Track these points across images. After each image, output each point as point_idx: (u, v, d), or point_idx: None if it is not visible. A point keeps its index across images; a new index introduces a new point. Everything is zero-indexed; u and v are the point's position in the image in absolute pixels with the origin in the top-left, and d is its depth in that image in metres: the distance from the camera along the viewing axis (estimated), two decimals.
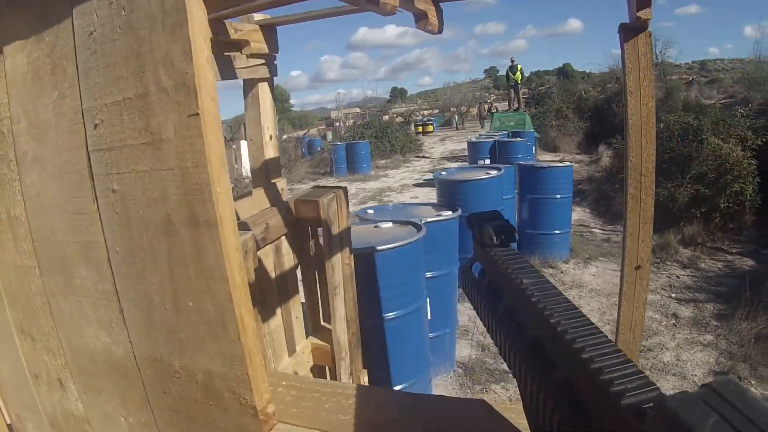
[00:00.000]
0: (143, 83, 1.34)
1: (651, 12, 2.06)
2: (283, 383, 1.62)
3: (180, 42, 1.26)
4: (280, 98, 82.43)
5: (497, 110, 38.24)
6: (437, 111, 49.51)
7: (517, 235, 1.11)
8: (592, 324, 0.71)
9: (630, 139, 2.26)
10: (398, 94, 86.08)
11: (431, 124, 40.31)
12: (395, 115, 42.68)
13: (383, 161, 25.52)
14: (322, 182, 21.15)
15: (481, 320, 1.04)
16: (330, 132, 37.11)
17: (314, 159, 27.22)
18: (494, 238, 1.08)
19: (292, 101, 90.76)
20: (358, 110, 44.13)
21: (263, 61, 3.14)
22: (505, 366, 6.35)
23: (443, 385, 5.98)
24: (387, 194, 17.95)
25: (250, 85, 3.22)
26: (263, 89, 3.23)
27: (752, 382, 6.04)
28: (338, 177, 22.19)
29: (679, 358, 6.55)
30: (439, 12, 2.47)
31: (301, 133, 41.63)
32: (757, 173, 10.66)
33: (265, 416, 1.40)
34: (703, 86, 26.89)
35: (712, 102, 17.55)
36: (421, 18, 2.29)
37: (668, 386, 5.93)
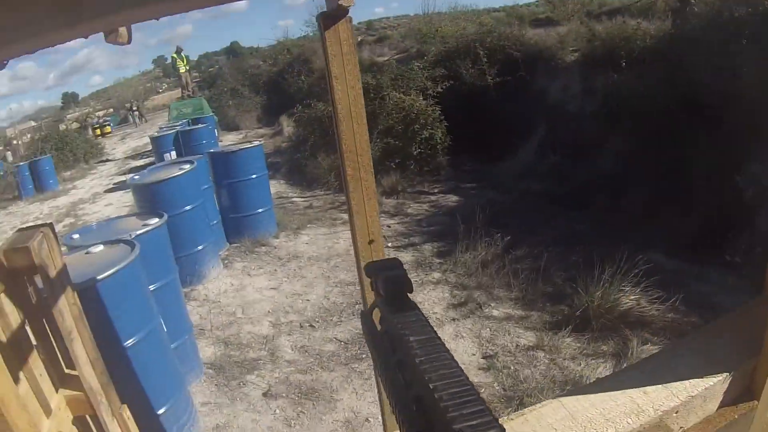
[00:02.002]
0: None
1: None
2: None
3: None
4: None
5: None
6: (112, 110, 47.84)
7: (412, 287, 1.14)
8: (468, 385, 0.77)
9: (341, 123, 2.27)
10: (70, 99, 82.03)
11: (108, 125, 38.97)
12: (71, 122, 40.95)
13: (68, 173, 24.32)
14: (12, 208, 20.09)
15: (374, 369, 1.06)
16: (9, 152, 34.84)
17: None
18: (386, 290, 1.09)
19: None
20: (33, 123, 41.70)
21: None
22: (252, 354, 6.39)
23: (200, 392, 5.86)
24: (81, 207, 17.13)
25: None
26: None
27: (491, 304, 6.42)
28: (27, 199, 20.78)
29: (415, 301, 6.85)
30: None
31: None
32: (443, 117, 11.33)
33: None
34: (374, 45, 27.84)
35: (386, 59, 18.26)
36: (110, 32, 2.18)
37: None
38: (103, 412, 3.23)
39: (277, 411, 5.32)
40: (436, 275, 7.39)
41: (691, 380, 1.38)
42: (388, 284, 1.07)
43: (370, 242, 2.43)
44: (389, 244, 8.76)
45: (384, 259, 1.17)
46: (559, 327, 5.80)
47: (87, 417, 3.32)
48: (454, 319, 6.33)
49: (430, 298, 6.86)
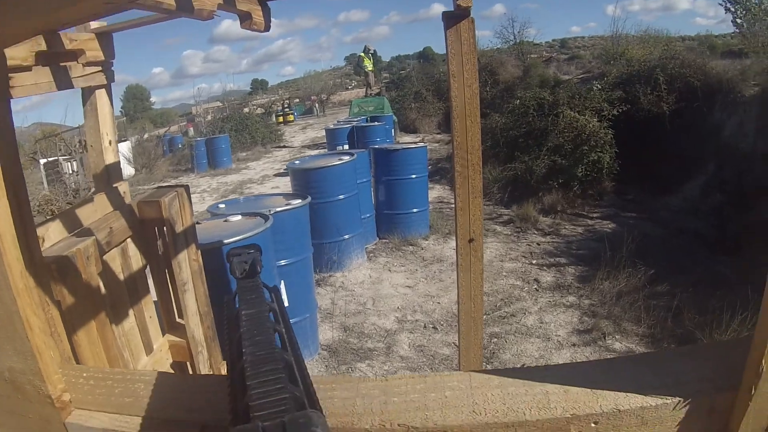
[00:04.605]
0: None
1: (471, 0, 2.09)
2: (84, 374, 1.70)
3: None
4: (140, 97, 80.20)
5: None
6: (297, 100, 49.10)
7: (260, 268, 1.29)
8: (275, 360, 0.88)
9: (455, 120, 2.30)
10: (259, 85, 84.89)
11: (292, 114, 40.16)
12: (255, 107, 42.35)
13: (244, 154, 25.45)
14: (184, 179, 21.03)
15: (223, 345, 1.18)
16: (191, 128, 36.33)
17: (175, 156, 26.73)
18: (238, 271, 1.25)
19: (153, 99, 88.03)
20: (219, 104, 43.32)
21: (100, 68, 3.10)
22: (369, 344, 6.54)
23: (309, 368, 6.04)
24: (248, 186, 17.92)
25: (88, 93, 3.17)
26: (101, 96, 3.21)
27: (616, 336, 6.23)
28: (199, 173, 21.99)
29: (542, 321, 6.79)
30: (266, 10, 2.40)
31: (162, 131, 40.74)
32: (614, 142, 11.10)
33: (61, 404, 1.54)
34: (562, 63, 27.68)
35: (570, 77, 18.11)
36: (245, 18, 2.25)
37: (533, 348, 6.16)
38: (199, 363, 3.44)
39: None
40: (571, 299, 7.29)
41: (628, 393, 1.26)
42: (242, 267, 1.24)
43: (470, 241, 2.44)
44: (534, 261, 8.70)
45: (241, 246, 1.31)
46: None
47: (187, 364, 3.56)
48: (574, 345, 6.23)
49: (558, 321, 6.77)
